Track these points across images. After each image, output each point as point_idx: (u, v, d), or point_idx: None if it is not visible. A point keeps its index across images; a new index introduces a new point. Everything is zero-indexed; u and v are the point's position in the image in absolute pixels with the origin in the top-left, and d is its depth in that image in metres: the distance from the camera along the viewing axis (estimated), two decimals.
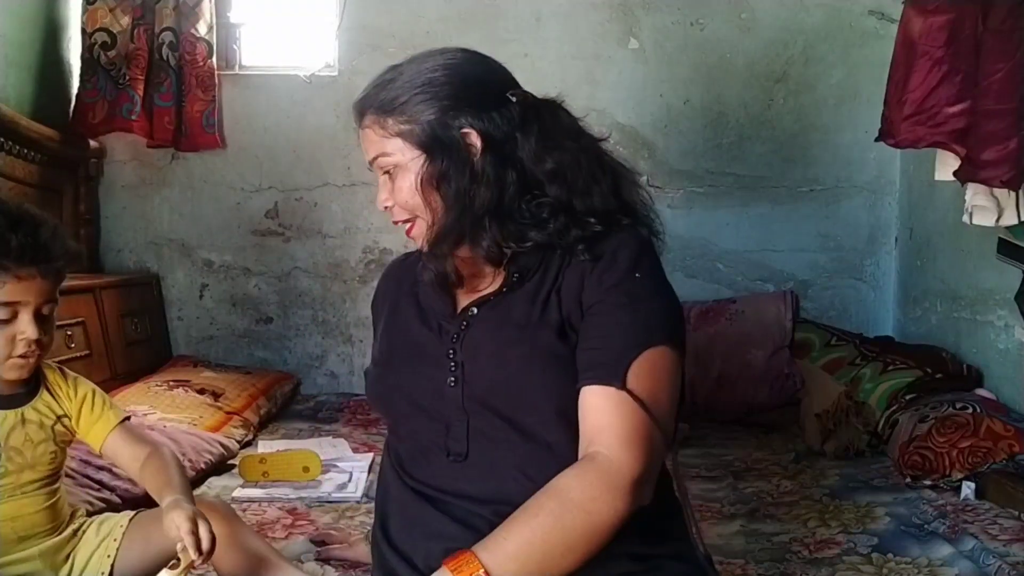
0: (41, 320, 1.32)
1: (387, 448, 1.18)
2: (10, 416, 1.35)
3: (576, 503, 0.93)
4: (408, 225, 1.10)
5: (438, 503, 1.04)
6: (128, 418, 1.47)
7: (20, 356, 1.31)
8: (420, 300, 1.16)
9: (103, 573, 1.40)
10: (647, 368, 1.00)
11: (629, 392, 0.97)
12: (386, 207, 1.10)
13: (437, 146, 1.05)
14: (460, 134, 1.05)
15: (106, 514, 1.52)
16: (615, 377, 0.98)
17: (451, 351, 1.07)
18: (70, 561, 1.41)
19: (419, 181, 1.05)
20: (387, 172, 1.08)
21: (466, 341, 1.07)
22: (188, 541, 1.20)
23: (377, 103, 1.08)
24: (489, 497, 1.02)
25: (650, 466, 0.98)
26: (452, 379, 1.06)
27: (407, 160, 1.06)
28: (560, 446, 1.02)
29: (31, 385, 1.39)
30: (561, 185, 1.06)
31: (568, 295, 1.05)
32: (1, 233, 1.27)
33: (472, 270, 1.11)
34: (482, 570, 0.88)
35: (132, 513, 1.48)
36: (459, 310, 1.11)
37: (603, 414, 0.98)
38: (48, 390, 1.41)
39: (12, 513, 1.35)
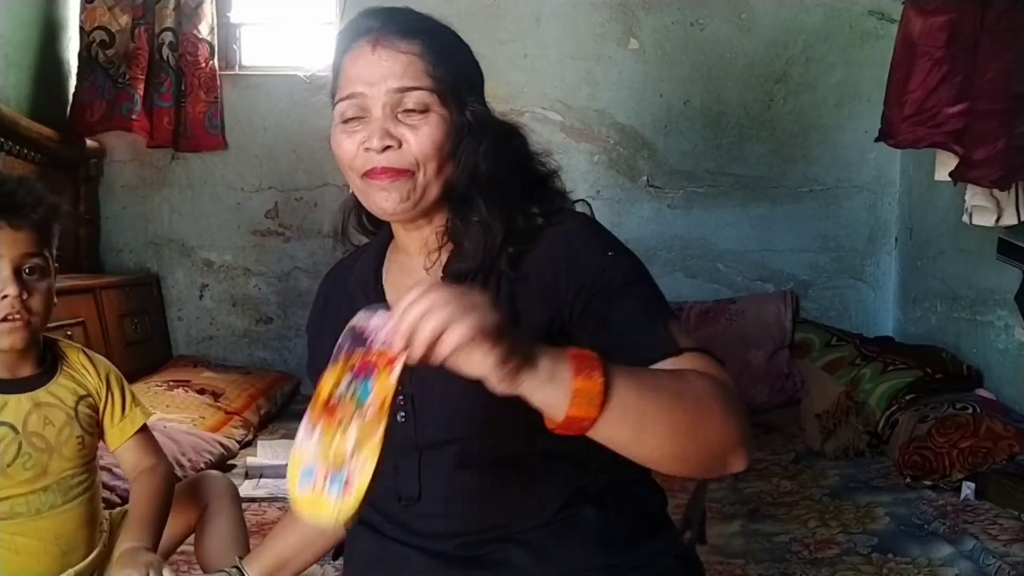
0: (23, 279, 1.20)
1: None
2: (23, 400, 1.23)
3: (707, 397, 0.90)
4: (393, 178, 0.94)
5: (401, 541, 0.98)
6: (145, 423, 1.37)
7: (4, 320, 1.18)
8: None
9: None
10: (678, 333, 0.93)
11: (690, 350, 0.92)
12: (387, 147, 0.93)
13: (467, 112, 0.96)
14: (473, 108, 0.97)
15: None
16: (669, 347, 0.90)
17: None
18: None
19: (446, 138, 0.94)
20: (409, 110, 0.94)
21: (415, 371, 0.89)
22: None
23: (428, 36, 0.95)
24: (450, 532, 0.96)
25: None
26: (402, 414, 0.94)
27: (442, 111, 0.95)
28: (527, 461, 0.95)
29: (46, 365, 1.28)
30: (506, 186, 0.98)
31: (533, 306, 0.93)
32: None
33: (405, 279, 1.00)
34: (602, 374, 0.76)
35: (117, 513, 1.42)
36: None
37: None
38: (69, 369, 1.30)
39: (56, 529, 1.26)
